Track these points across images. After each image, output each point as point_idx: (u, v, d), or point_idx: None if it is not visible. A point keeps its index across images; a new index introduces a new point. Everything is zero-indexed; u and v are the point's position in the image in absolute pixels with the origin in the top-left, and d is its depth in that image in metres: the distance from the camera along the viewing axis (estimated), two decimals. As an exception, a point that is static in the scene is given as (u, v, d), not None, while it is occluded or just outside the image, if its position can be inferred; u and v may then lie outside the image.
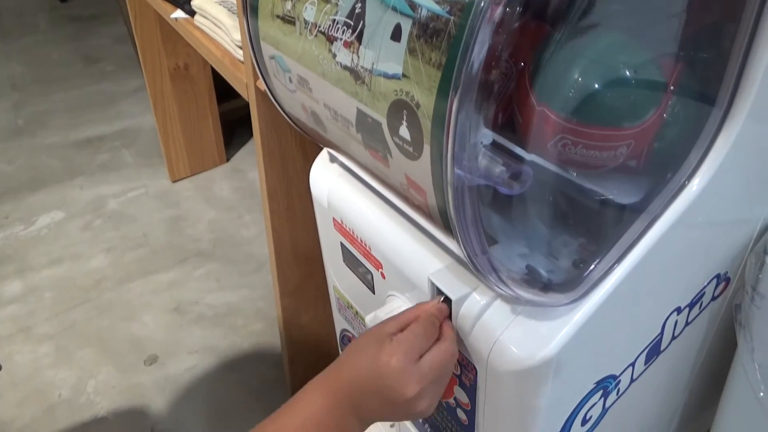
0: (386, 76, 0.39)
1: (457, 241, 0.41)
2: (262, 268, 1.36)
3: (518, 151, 0.39)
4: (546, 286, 0.47)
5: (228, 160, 1.77)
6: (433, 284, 0.52)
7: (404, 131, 0.39)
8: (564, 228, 0.51)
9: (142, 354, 1.18)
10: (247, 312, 1.25)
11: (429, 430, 0.68)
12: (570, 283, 0.47)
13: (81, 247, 1.47)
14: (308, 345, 1.01)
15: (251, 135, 0.82)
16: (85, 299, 1.31)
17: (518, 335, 0.48)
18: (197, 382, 1.12)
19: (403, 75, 0.37)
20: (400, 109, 0.38)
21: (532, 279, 0.47)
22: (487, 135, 0.36)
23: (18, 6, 3.04)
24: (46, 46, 2.59)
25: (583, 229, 0.50)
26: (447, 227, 0.44)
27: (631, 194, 0.47)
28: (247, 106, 0.78)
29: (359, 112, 0.44)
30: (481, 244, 0.40)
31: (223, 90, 1.66)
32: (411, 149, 0.39)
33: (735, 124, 0.45)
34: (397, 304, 0.59)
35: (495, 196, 0.49)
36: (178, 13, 1.00)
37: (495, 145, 0.38)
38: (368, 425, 0.50)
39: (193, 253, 1.42)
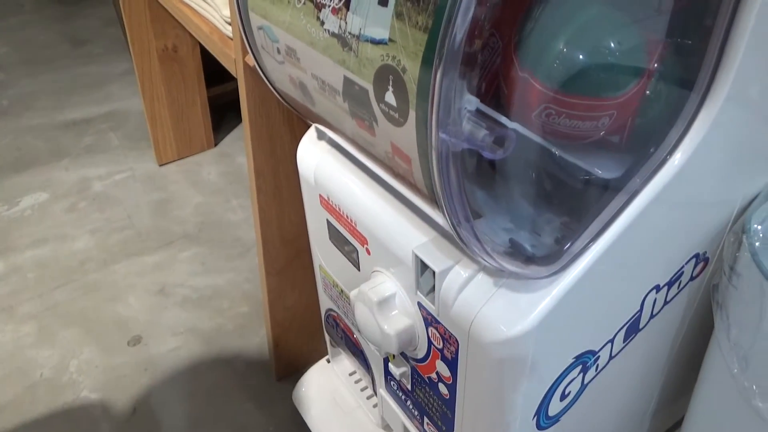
0: (373, 41, 0.39)
1: (441, 209, 0.42)
2: (248, 252, 1.36)
3: (503, 120, 0.40)
4: (528, 259, 0.47)
5: (216, 144, 1.76)
6: (417, 257, 0.53)
7: (390, 97, 0.39)
8: (547, 204, 0.51)
9: (126, 335, 1.17)
10: (232, 295, 1.25)
11: (411, 405, 0.68)
12: (551, 256, 0.48)
13: (65, 229, 1.45)
14: (293, 327, 1.01)
15: (240, 120, 0.81)
16: (68, 280, 1.30)
17: (499, 307, 0.48)
18: (181, 363, 1.12)
19: (390, 40, 0.37)
20: (387, 74, 0.39)
21: (515, 252, 0.48)
22: (471, 101, 0.36)
23: (4, -14, 3.00)
24: (33, 27, 2.55)
25: (566, 205, 0.51)
26: (431, 196, 0.44)
27: (613, 169, 0.48)
28: (236, 90, 0.78)
29: (346, 80, 0.44)
30: (464, 211, 0.40)
31: (213, 74, 1.65)
32: (397, 115, 0.40)
33: (715, 101, 0.46)
34: (381, 279, 0.60)
35: (480, 170, 0.49)
36: (167, -9, 0.99)
37: (480, 114, 0.39)
38: None
39: (179, 236, 1.42)
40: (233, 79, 0.78)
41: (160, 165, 1.67)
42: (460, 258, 0.51)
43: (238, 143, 1.76)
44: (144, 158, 1.70)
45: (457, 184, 0.39)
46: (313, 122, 0.65)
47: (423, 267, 0.53)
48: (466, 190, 0.42)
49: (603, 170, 0.48)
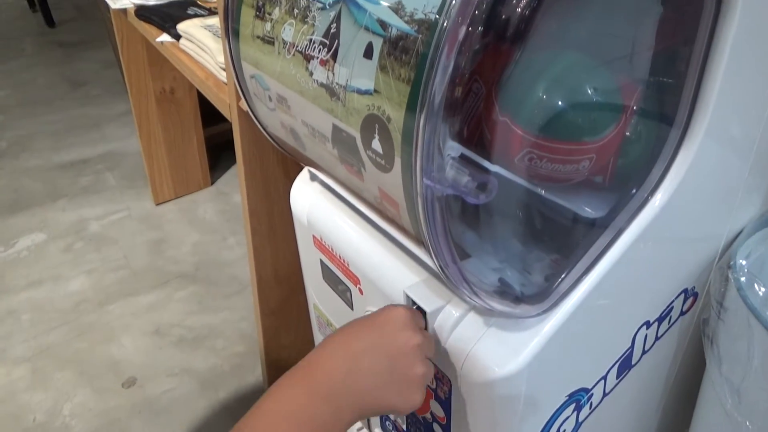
0: (359, 91, 0.40)
1: (429, 252, 0.43)
2: (244, 290, 1.36)
3: (486, 164, 0.41)
4: (518, 298, 0.48)
5: (213, 183, 1.77)
6: (408, 297, 0.53)
7: (377, 144, 0.40)
8: (535, 243, 0.52)
9: (121, 377, 1.16)
10: (228, 334, 1.25)
11: (406, 447, 0.68)
12: (540, 295, 0.48)
13: (61, 269, 1.45)
14: (289, 366, 1.00)
15: (236, 159, 0.83)
16: (63, 321, 1.30)
17: (490, 347, 0.49)
18: (176, 404, 1.10)
19: (375, 90, 0.39)
20: (373, 123, 0.40)
21: (504, 291, 0.48)
22: (454, 147, 0.38)
23: (4, 30, 3.06)
24: (33, 69, 2.60)
25: (553, 244, 0.52)
26: (419, 239, 0.45)
27: (598, 209, 0.49)
28: (232, 130, 0.80)
29: (334, 128, 0.45)
30: (451, 253, 0.41)
31: (209, 114, 1.68)
32: (383, 162, 0.41)
33: (693, 142, 0.47)
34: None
35: (467, 212, 0.50)
36: (164, 37, 1.02)
37: (465, 160, 0.40)
38: (363, 413, 0.46)
39: (175, 276, 1.42)
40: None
41: (157, 204, 1.69)
42: (451, 298, 0.52)
43: (235, 181, 1.78)
44: (141, 197, 1.72)
45: (443, 228, 0.39)
46: (306, 165, 0.67)
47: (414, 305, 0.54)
48: (454, 231, 0.42)
49: (588, 209, 0.49)
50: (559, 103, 0.41)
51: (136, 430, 1.06)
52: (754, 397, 0.52)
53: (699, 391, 0.64)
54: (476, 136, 0.45)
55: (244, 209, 0.84)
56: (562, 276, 0.49)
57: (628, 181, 0.48)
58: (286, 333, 0.96)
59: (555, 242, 0.52)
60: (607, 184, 0.49)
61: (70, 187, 1.79)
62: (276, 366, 0.99)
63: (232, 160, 1.86)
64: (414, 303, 0.53)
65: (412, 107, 0.36)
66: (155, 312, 1.31)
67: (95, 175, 1.85)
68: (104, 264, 1.47)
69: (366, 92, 0.40)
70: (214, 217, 1.63)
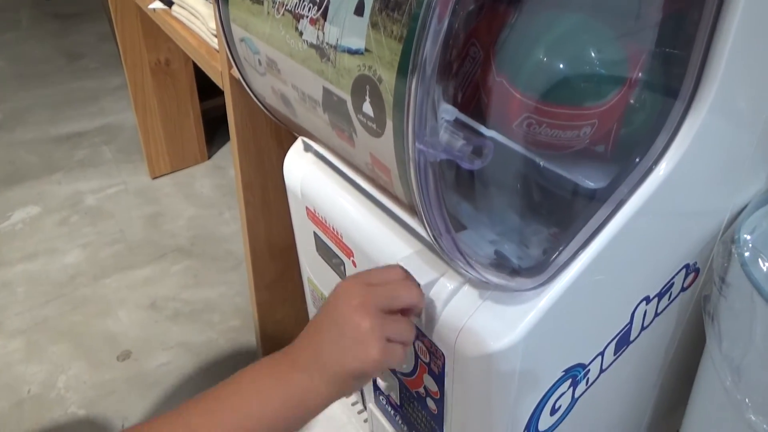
0: (350, 51, 0.38)
1: (422, 221, 0.41)
2: (240, 265, 1.35)
3: (482, 129, 0.39)
4: (514, 271, 0.46)
5: (209, 157, 1.75)
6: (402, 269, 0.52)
7: (367, 108, 0.39)
8: (532, 216, 0.51)
9: (116, 350, 1.16)
10: (224, 309, 1.24)
11: (400, 420, 0.67)
12: (537, 267, 0.47)
13: (56, 243, 1.44)
14: (284, 340, 0.99)
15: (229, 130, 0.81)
16: (58, 294, 1.29)
17: (485, 320, 0.47)
18: (171, 378, 1.10)
19: (366, 50, 0.37)
20: (364, 84, 0.38)
21: (500, 264, 0.47)
22: (449, 110, 0.36)
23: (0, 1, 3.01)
24: (28, 42, 2.56)
25: (551, 216, 0.50)
26: (412, 208, 0.43)
27: (598, 180, 0.47)
28: (226, 100, 0.78)
29: (325, 91, 0.43)
30: (444, 222, 0.40)
31: (206, 87, 1.65)
32: (374, 126, 0.39)
33: (700, 111, 0.45)
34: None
35: (462, 182, 0.49)
36: (156, 4, 0.99)
37: (459, 124, 0.38)
38: (336, 383, 0.46)
39: (171, 250, 1.41)
40: (224, 92, 0.78)
41: (153, 178, 1.67)
42: (445, 270, 0.51)
43: (231, 157, 1.76)
44: (137, 171, 1.70)
45: (436, 196, 0.38)
46: (298, 134, 0.65)
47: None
48: (448, 201, 0.41)
49: (588, 180, 0.47)
50: (561, 65, 0.39)
51: (131, 403, 1.06)
52: (755, 375, 0.51)
53: (698, 368, 0.63)
54: (473, 100, 0.43)
55: (237, 181, 0.82)
56: (560, 249, 0.47)
57: (630, 150, 0.46)
58: (281, 307, 0.95)
59: (553, 215, 0.50)
60: (609, 154, 0.48)
61: (66, 160, 1.77)
62: (271, 339, 0.98)
63: (229, 135, 1.83)
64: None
65: (404, 67, 0.34)
66: (151, 286, 1.31)
67: (91, 149, 1.83)
68: (100, 237, 1.46)
69: (357, 52, 0.38)
70: (211, 192, 1.61)
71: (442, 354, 0.51)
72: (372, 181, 0.50)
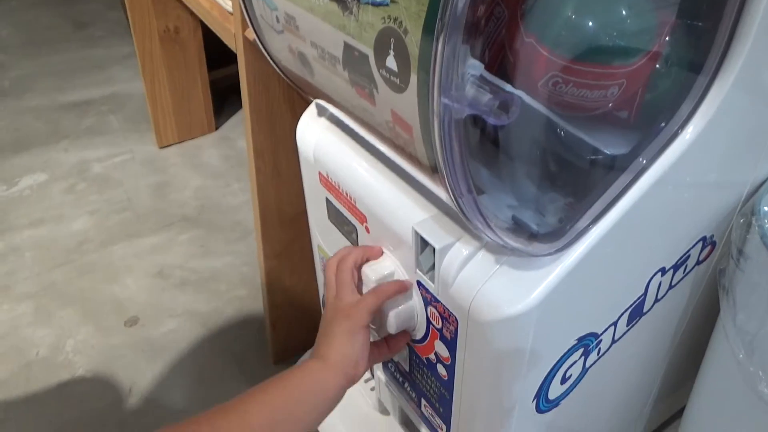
0: (374, 3, 0.37)
1: (443, 180, 0.40)
2: (248, 236, 1.35)
3: (507, 87, 0.38)
4: (532, 236, 0.46)
5: (217, 128, 1.74)
6: (417, 234, 0.51)
7: (391, 62, 0.38)
8: (551, 181, 0.50)
9: (123, 315, 1.16)
10: (231, 278, 1.24)
11: (409, 387, 0.67)
12: (555, 233, 0.46)
13: (64, 209, 1.44)
14: (291, 309, 1.00)
15: (242, 104, 0.80)
16: (66, 260, 1.29)
17: (501, 285, 0.47)
18: (178, 344, 1.11)
19: (392, 1, 0.36)
20: (388, 38, 0.37)
21: (517, 229, 0.46)
22: (475, 65, 0.35)
23: (6, -33, 2.97)
24: (34, 9, 2.53)
25: (571, 182, 0.49)
26: (433, 169, 0.43)
27: (620, 146, 0.46)
28: (238, 73, 0.76)
29: (346, 47, 0.42)
30: (467, 182, 0.39)
31: (215, 57, 1.63)
32: (398, 81, 0.38)
33: (728, 75, 0.44)
34: (386, 263, 0.58)
35: (483, 146, 0.48)
36: (168, -34, 0.97)
37: (484, 81, 0.37)
38: (339, 371, 0.53)
39: (178, 219, 1.41)
40: (235, 62, 0.76)
41: (161, 148, 1.66)
42: (461, 235, 0.50)
43: (240, 128, 1.75)
44: (144, 141, 1.69)
45: (460, 153, 0.37)
46: (313, 96, 0.64)
47: (423, 244, 0.52)
48: (469, 164, 0.40)
49: (610, 147, 0.46)
50: (590, 23, 0.38)
51: (138, 367, 1.07)
52: (770, 348, 0.51)
53: (709, 342, 0.63)
54: (497, 60, 0.42)
55: (248, 147, 0.81)
56: (579, 215, 0.46)
57: (655, 116, 0.45)
58: (289, 276, 0.94)
59: (572, 182, 0.49)
60: (632, 120, 0.47)
61: (72, 128, 1.76)
62: (278, 308, 0.98)
63: (238, 106, 1.82)
64: (422, 239, 0.51)
65: (431, 18, 0.33)
66: (158, 254, 1.31)
67: (98, 117, 1.82)
68: (107, 205, 1.45)
69: (382, 3, 0.37)
70: (218, 163, 1.61)
71: (455, 319, 0.51)
72: (390, 143, 0.49)
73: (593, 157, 0.47)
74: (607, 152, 0.46)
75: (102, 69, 2.07)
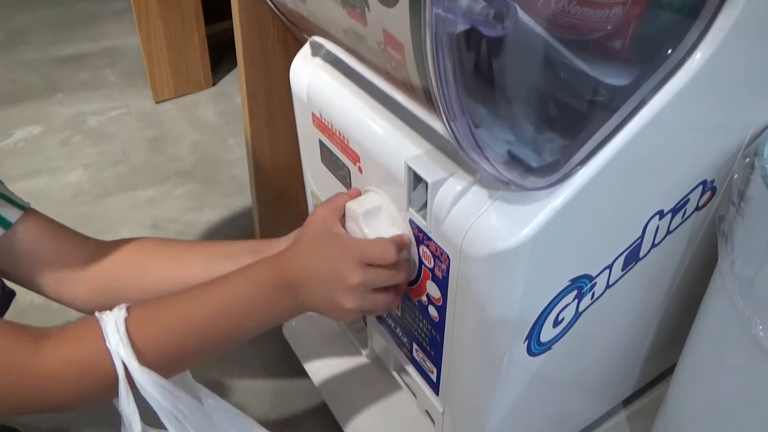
0: None
1: (436, 103, 0.39)
2: (244, 190, 1.34)
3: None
4: (527, 170, 0.45)
5: (215, 84, 1.72)
6: (409, 169, 0.50)
7: (383, -28, 0.36)
8: (548, 115, 0.48)
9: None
10: (227, 231, 1.23)
11: (400, 332, 0.67)
12: (550, 166, 0.45)
13: (58, 162, 1.43)
14: (283, 227, 0.99)
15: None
16: (60, 211, 1.28)
17: (494, 220, 0.46)
18: (172, 295, 1.10)
19: None
20: (380, -55, 0.35)
21: (512, 162, 0.45)
22: (470, -27, 0.33)
23: None
24: (29, -40, 2.47)
25: (567, 117, 0.48)
26: (425, 92, 0.41)
27: (620, 77, 0.45)
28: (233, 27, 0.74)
29: (337, -39, 0.40)
30: (460, 103, 0.37)
31: (212, 11, 1.59)
32: (389, -7, 0.36)
33: (735, 6, 0.42)
34: (370, 195, 0.57)
35: (477, 76, 0.46)
36: None
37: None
38: (299, 311, 0.56)
39: (174, 173, 1.39)
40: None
41: (157, 102, 1.64)
42: (455, 170, 0.49)
43: (237, 83, 1.72)
44: (140, 95, 1.67)
45: (453, 71, 0.35)
46: (305, 32, 0.62)
47: (416, 180, 0.51)
48: (463, 87, 0.39)
49: (609, 77, 0.45)
50: (594, -66, 0.36)
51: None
52: (766, 290, 0.50)
53: (705, 291, 0.62)
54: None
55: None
56: (576, 148, 0.45)
57: (659, 44, 0.43)
58: (284, 225, 0.94)
59: (570, 112, 0.48)
60: (633, 49, 0.45)
61: (68, 81, 1.74)
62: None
63: (236, 62, 1.78)
64: (415, 174, 0.50)
65: None
66: (154, 207, 1.30)
67: (94, 71, 1.79)
68: (102, 158, 1.44)
69: None
70: (215, 118, 1.58)
71: (447, 257, 0.50)
72: (384, 74, 0.47)
73: (592, 88, 0.45)
74: (607, 82, 0.44)
75: (97, 23, 2.03)
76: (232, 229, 1.24)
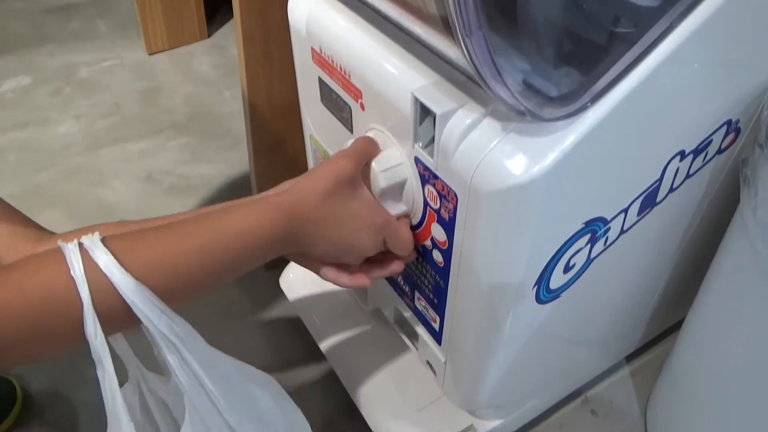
0: None
1: (450, 17, 0.35)
2: (239, 144, 1.30)
3: None
4: (543, 99, 0.41)
5: (210, 35, 1.66)
6: (416, 100, 0.46)
7: None
8: (568, 43, 0.45)
9: (110, 218, 1.12)
10: (222, 184, 1.20)
11: (402, 281, 0.64)
12: (568, 96, 0.42)
13: (49, 113, 1.38)
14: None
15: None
16: (51, 163, 1.25)
17: (507, 152, 0.43)
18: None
19: None
20: None
21: (529, 91, 0.42)
22: None
23: None
24: None
25: (592, 41, 0.44)
26: (440, 14, 0.37)
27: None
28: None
29: None
30: (477, 15, 0.34)
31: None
32: None
33: None
34: (372, 132, 0.54)
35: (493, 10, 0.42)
36: None
37: None
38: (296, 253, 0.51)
39: (168, 125, 1.35)
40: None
41: (150, 54, 1.58)
42: (465, 101, 0.45)
43: (233, 35, 1.66)
44: (133, 47, 1.61)
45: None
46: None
47: (423, 113, 0.47)
48: (480, 7, 0.35)
49: (638, -2, 0.41)
50: None
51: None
52: (792, 234, 0.47)
53: (722, 238, 0.59)
54: None
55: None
56: (598, 75, 0.41)
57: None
58: (281, 174, 0.90)
59: (593, 40, 0.44)
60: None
61: (58, 32, 1.67)
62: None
63: (231, 13, 1.72)
64: (422, 106, 0.46)
65: None
66: (147, 159, 1.26)
67: (85, 22, 1.72)
68: (94, 110, 1.39)
69: None
70: (210, 70, 1.53)
71: (455, 195, 0.47)
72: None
73: (618, 10, 0.42)
74: (635, 3, 0.40)
75: (88, -29, 1.95)
76: (227, 183, 1.20)
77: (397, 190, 0.53)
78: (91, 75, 1.51)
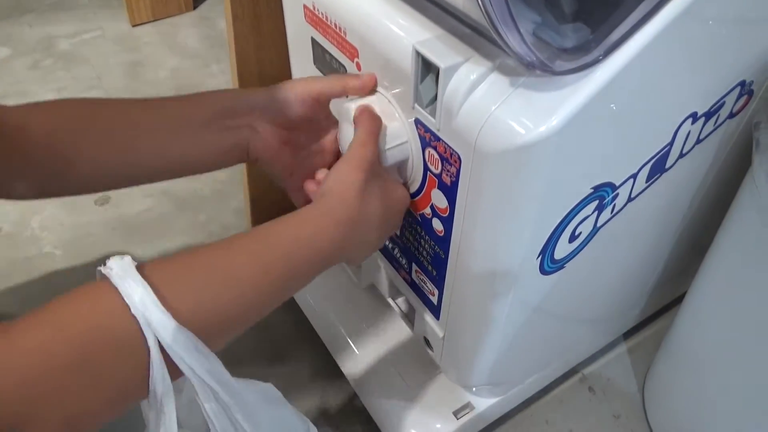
0: None
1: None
2: (227, 118, 1.26)
3: None
4: (556, 51, 0.39)
5: (195, 7, 1.60)
6: (418, 55, 0.43)
7: None
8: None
9: (93, 194, 1.09)
10: (209, 161, 1.16)
11: (399, 253, 0.62)
12: (580, 48, 0.39)
13: (28, 85, 1.33)
14: (273, 186, 0.93)
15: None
16: (31, 137, 1.20)
17: (516, 109, 0.40)
18: (152, 224, 1.04)
19: None
20: None
21: (541, 42, 0.39)
22: None
23: None
24: None
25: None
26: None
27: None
28: None
29: None
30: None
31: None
32: None
33: None
34: (372, 97, 0.51)
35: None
36: None
37: None
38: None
39: (153, 99, 1.30)
40: None
41: (133, 26, 1.53)
42: (470, 55, 0.42)
43: (220, 7, 1.61)
44: (115, 18, 1.55)
45: None
46: None
47: (425, 70, 0.44)
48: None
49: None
50: None
51: (111, 245, 1.01)
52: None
53: (729, 209, 0.57)
54: None
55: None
56: (611, 26, 0.39)
57: None
58: (271, 146, 0.87)
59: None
60: None
61: (37, 2, 1.61)
62: (259, 186, 0.92)
63: (218, -16, 1.67)
64: (424, 61, 0.43)
65: None
66: (131, 133, 1.22)
67: (65, -8, 1.66)
68: (75, 83, 1.34)
69: None
70: (196, 43, 1.48)
71: (458, 158, 0.44)
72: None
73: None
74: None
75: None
76: (216, 158, 1.16)
77: (401, 165, 0.51)
78: (71, 47, 1.45)
